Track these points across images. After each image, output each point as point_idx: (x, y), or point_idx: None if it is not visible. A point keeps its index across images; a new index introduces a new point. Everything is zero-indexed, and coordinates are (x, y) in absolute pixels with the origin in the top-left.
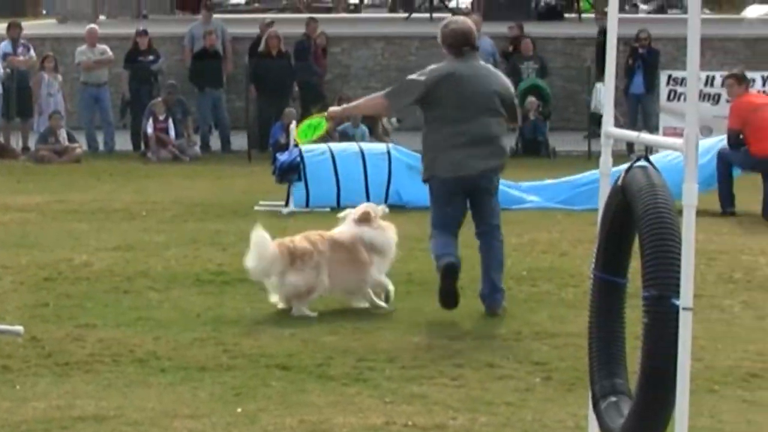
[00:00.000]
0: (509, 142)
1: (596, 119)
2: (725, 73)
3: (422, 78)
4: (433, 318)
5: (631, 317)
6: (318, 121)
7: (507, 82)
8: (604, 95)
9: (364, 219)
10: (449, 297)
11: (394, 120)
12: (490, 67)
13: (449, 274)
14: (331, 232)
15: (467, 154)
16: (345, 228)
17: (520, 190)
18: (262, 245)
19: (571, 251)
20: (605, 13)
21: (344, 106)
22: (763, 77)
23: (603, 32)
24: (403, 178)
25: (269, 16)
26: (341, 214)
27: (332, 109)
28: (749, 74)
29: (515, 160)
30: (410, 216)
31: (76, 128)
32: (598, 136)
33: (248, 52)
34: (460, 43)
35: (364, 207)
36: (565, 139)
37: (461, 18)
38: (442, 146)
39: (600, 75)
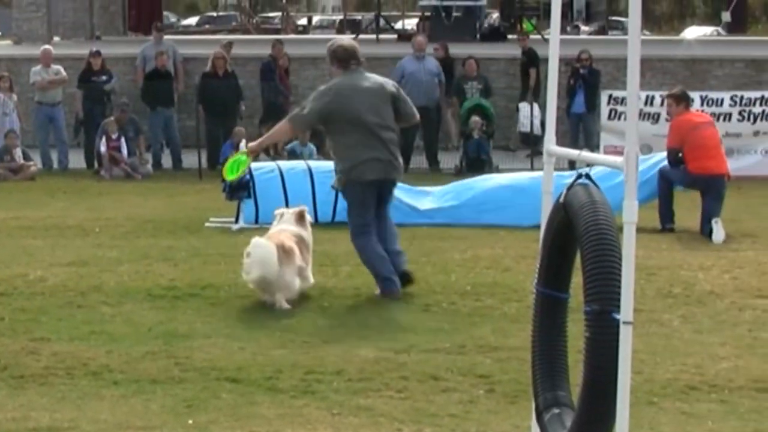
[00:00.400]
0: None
1: (523, 137)
2: (665, 92)
3: (318, 106)
4: (379, 332)
5: (572, 331)
6: (241, 158)
7: (393, 85)
8: (525, 114)
9: (301, 218)
10: (394, 284)
11: None
12: (376, 76)
13: (409, 279)
14: (288, 230)
15: (378, 157)
16: (288, 227)
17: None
18: (268, 255)
19: (514, 267)
20: (527, 37)
21: (260, 140)
22: (701, 97)
23: (525, 54)
24: None
25: (219, 37)
26: (277, 211)
27: (251, 145)
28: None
29: (459, 178)
30: None
31: (31, 147)
32: (537, 153)
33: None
34: (349, 58)
35: (300, 207)
36: (508, 157)
37: (345, 38)
38: (352, 155)
39: (524, 95)
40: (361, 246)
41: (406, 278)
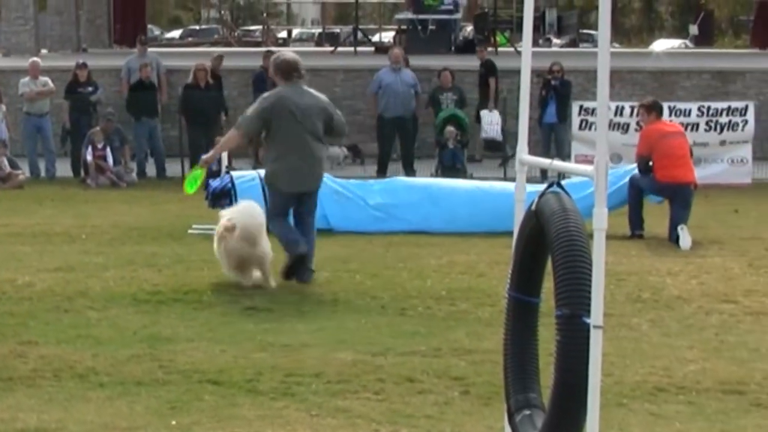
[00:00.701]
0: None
1: (487, 143)
2: (634, 103)
3: (260, 107)
4: (357, 335)
5: (544, 335)
6: (196, 172)
7: (327, 101)
8: (488, 121)
9: None
10: (291, 274)
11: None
12: (313, 90)
13: (299, 259)
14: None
15: (301, 167)
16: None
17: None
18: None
19: (487, 272)
20: (485, 50)
21: (212, 151)
22: (669, 107)
23: (483, 65)
24: (330, 203)
25: (202, 49)
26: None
27: (204, 157)
28: None
29: None
30: (336, 239)
31: (20, 156)
32: (502, 158)
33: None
34: (291, 71)
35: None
36: (482, 166)
37: (289, 51)
38: (282, 160)
39: (484, 103)
40: (274, 227)
41: (302, 261)
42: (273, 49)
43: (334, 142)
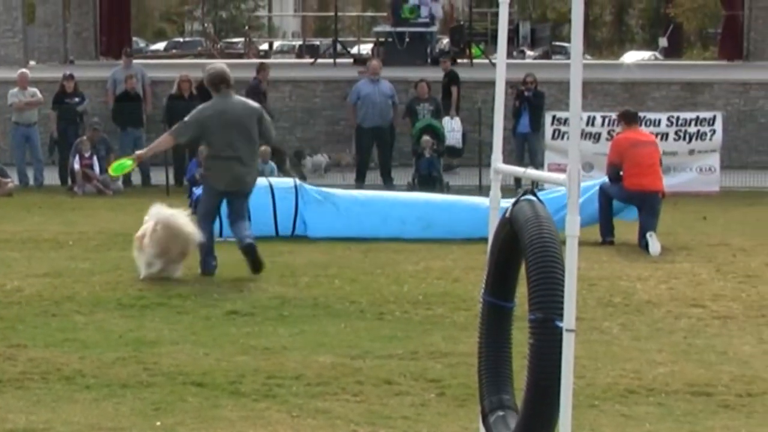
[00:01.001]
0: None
1: (449, 150)
2: (605, 113)
3: (194, 117)
4: (336, 339)
5: (518, 338)
6: (127, 162)
7: (260, 110)
8: (449, 128)
9: None
10: (211, 266)
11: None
12: (243, 98)
13: (252, 250)
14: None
15: (236, 171)
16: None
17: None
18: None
19: (463, 277)
20: (448, 61)
21: (145, 149)
22: (640, 117)
23: (447, 75)
24: (309, 210)
25: (186, 61)
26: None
27: (138, 153)
28: None
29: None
30: (317, 245)
31: (9, 164)
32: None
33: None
34: (219, 82)
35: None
36: (458, 174)
37: (218, 63)
38: (218, 164)
39: (445, 111)
40: (200, 234)
41: (252, 251)
42: (266, 61)
43: (264, 143)
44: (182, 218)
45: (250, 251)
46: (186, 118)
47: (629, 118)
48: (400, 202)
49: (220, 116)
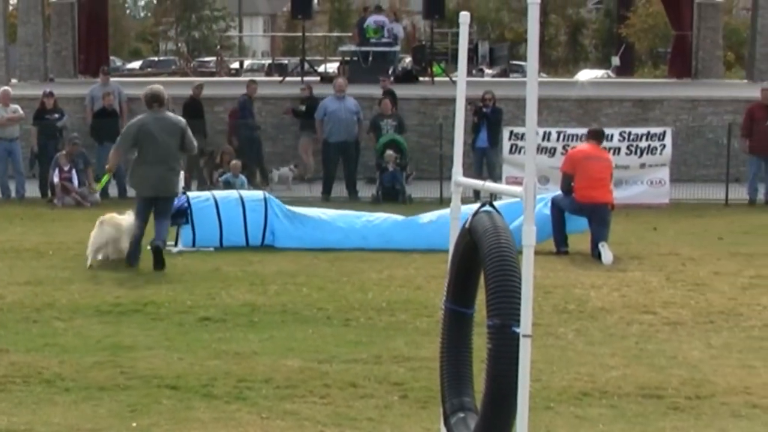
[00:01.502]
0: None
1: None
2: (560, 129)
3: (127, 131)
4: (303, 344)
5: (477, 343)
6: (105, 177)
7: (183, 125)
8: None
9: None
10: (135, 259)
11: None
12: (171, 115)
13: (158, 251)
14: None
15: (154, 176)
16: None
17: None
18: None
19: (425, 285)
20: (387, 80)
21: (108, 164)
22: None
23: (386, 93)
24: (278, 221)
25: (160, 79)
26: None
27: (107, 166)
28: (580, 131)
29: (376, 206)
30: (285, 255)
31: None
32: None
33: (182, 112)
34: (152, 101)
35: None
36: (420, 187)
37: (155, 84)
38: (140, 170)
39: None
40: (132, 230)
41: (157, 252)
42: (256, 79)
43: (187, 154)
44: (123, 220)
45: (156, 252)
46: (122, 132)
47: (599, 137)
48: (363, 222)
49: (147, 129)
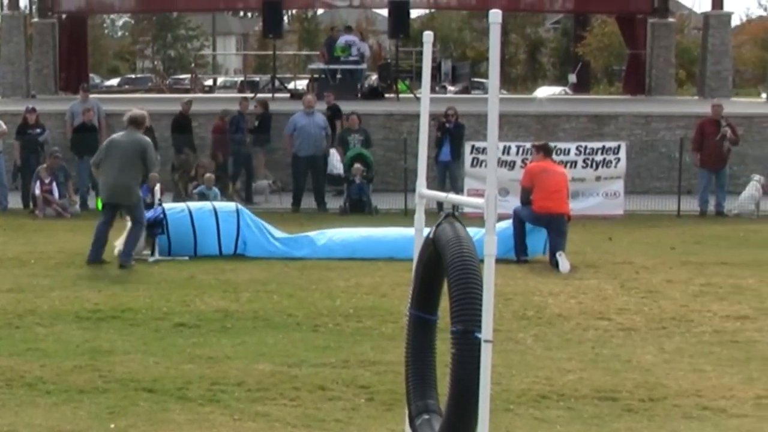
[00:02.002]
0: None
1: (331, 179)
2: (520, 143)
3: (101, 146)
4: (274, 349)
5: (441, 348)
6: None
7: (146, 144)
8: (335, 158)
9: None
10: (93, 255)
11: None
12: (139, 135)
13: (96, 240)
14: None
15: (112, 186)
16: None
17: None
18: None
19: (390, 293)
20: (332, 95)
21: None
22: (551, 147)
23: (330, 108)
24: (249, 231)
25: (138, 96)
26: None
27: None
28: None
29: (344, 218)
30: (257, 263)
31: None
32: (336, 193)
33: (171, 127)
34: (128, 122)
35: None
36: (385, 199)
37: (137, 110)
38: (102, 180)
39: (332, 143)
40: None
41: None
42: (247, 95)
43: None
44: None
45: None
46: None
47: (546, 150)
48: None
49: (114, 144)
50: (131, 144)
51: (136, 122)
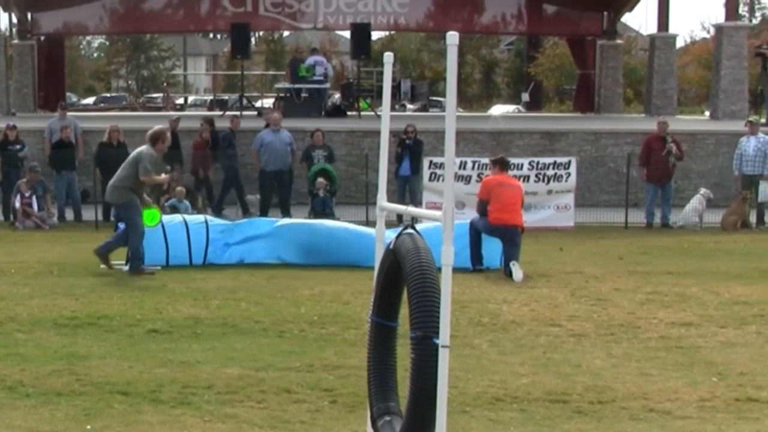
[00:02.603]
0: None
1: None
2: (475, 158)
3: None
4: (242, 354)
5: (401, 353)
6: (152, 211)
7: (141, 154)
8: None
9: None
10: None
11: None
12: (141, 149)
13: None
14: None
15: (108, 189)
16: None
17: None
18: None
19: (353, 300)
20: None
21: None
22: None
23: (260, 112)
24: (219, 242)
25: (113, 114)
26: None
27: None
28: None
29: None
30: (225, 272)
31: None
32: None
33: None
34: (147, 138)
35: None
36: (348, 212)
37: (159, 126)
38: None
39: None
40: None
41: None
42: (238, 114)
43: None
44: None
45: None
46: None
47: (503, 165)
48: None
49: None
50: (133, 153)
51: (150, 138)
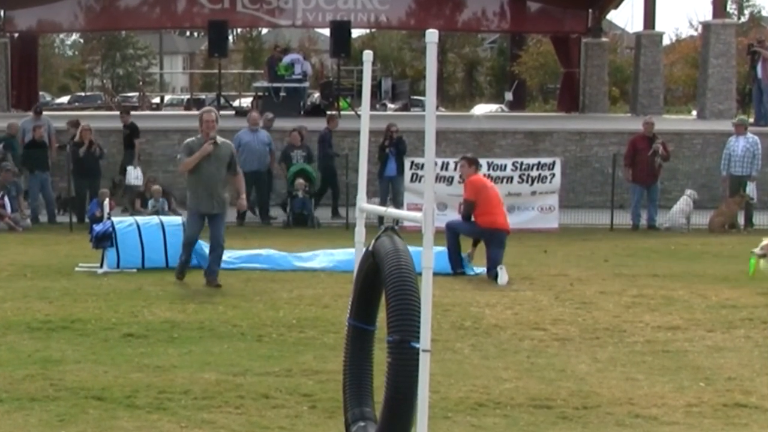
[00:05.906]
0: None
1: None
2: (457, 159)
3: None
4: (220, 358)
5: (379, 357)
6: None
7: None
8: (134, 176)
9: None
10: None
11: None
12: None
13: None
14: None
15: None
16: None
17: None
18: None
19: (332, 304)
20: (129, 115)
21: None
22: (488, 163)
23: (127, 127)
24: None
25: (87, 113)
26: None
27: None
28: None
29: (287, 231)
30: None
31: None
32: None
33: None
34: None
35: None
36: (327, 213)
37: (206, 108)
38: None
39: (128, 160)
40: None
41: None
42: (175, 113)
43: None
44: None
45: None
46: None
47: (477, 163)
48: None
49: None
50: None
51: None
